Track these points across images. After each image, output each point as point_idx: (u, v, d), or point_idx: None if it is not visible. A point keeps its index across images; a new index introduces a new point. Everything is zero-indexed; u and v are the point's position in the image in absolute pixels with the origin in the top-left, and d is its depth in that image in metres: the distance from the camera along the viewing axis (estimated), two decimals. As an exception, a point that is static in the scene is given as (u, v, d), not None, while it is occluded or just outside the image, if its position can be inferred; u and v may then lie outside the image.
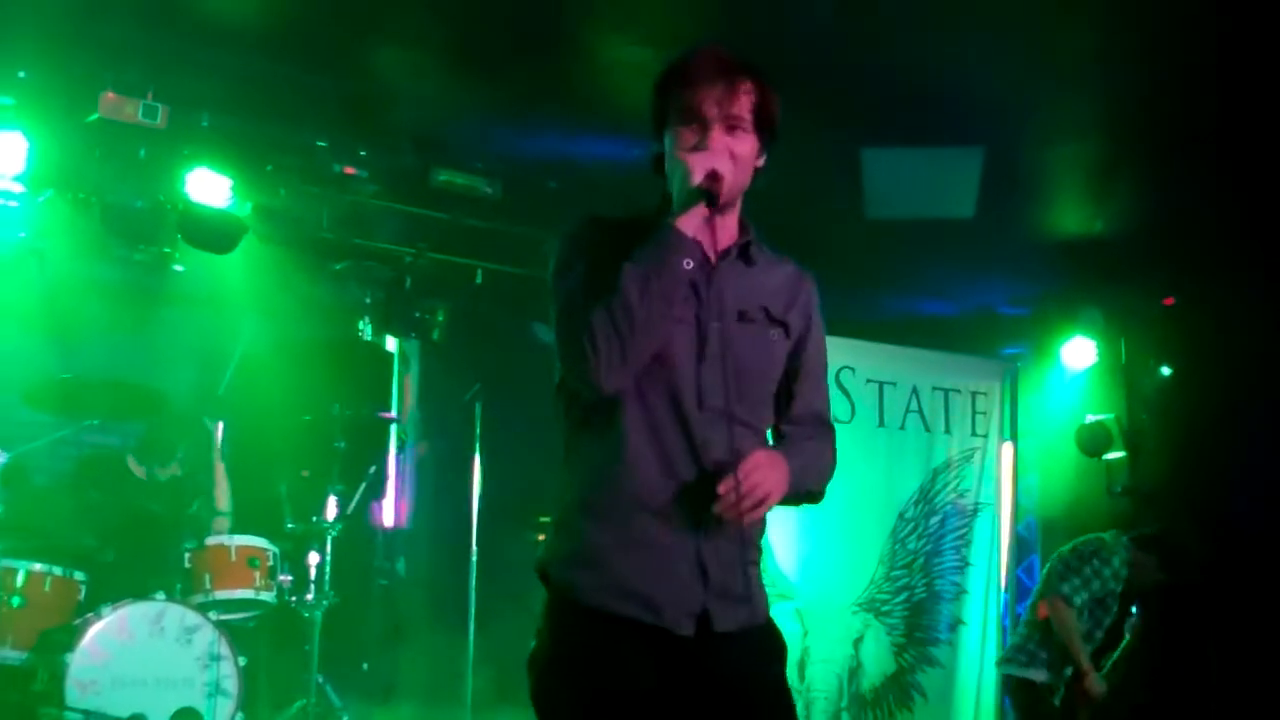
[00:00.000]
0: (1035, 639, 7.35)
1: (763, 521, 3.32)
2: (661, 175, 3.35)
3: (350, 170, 8.72)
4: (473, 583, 8.75)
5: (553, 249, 3.32)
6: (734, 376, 3.20)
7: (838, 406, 7.94)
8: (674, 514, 3.13)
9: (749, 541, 3.28)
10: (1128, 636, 7.50)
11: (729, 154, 3.17)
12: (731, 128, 3.21)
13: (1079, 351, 10.81)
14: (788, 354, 3.37)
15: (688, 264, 3.11)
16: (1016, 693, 7.48)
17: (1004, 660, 7.64)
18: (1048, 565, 7.54)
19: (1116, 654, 7.49)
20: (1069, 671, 7.15)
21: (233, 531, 7.87)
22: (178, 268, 9.11)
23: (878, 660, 9.34)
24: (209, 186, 8.37)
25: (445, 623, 9.26)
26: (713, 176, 3.12)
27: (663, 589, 3.11)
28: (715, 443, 3.15)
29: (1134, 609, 7.57)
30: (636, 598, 3.10)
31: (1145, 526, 7.50)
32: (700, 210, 3.13)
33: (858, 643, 9.29)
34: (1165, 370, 10.62)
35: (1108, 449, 10.68)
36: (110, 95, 7.60)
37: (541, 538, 10.11)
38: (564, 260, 3.27)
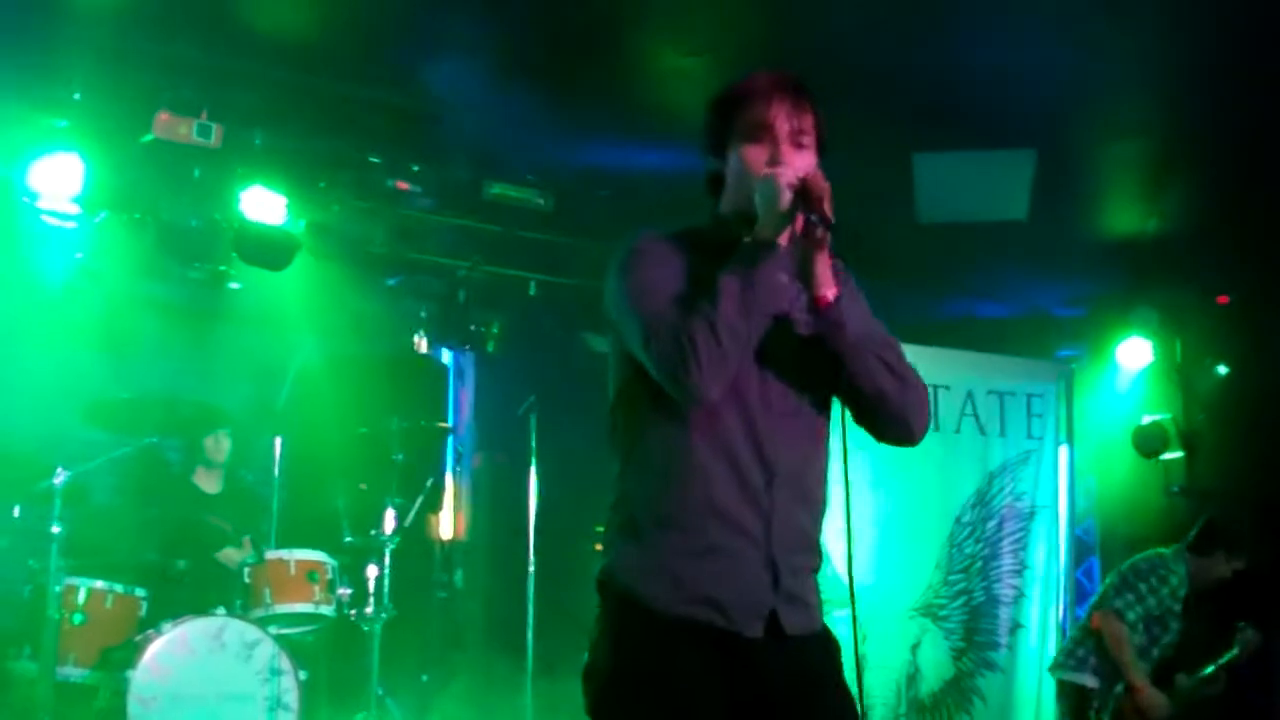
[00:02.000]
0: (1087, 645, 7.29)
1: (820, 525, 3.34)
2: (716, 195, 3.35)
3: (403, 185, 8.74)
4: (531, 594, 8.75)
5: (614, 261, 3.27)
6: (796, 377, 3.23)
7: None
8: (744, 518, 3.14)
9: (813, 548, 3.31)
10: (1236, 649, 7.39)
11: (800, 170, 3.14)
12: (798, 145, 3.21)
13: (1134, 352, 10.75)
14: None
15: (784, 278, 3.13)
16: (1066, 697, 7.42)
17: (1055, 665, 7.59)
18: (1107, 579, 7.49)
19: (1213, 667, 7.41)
20: (1120, 688, 7.09)
21: (289, 545, 7.91)
22: (233, 285, 9.17)
23: (936, 665, 9.27)
24: (263, 204, 8.39)
25: (503, 634, 9.27)
26: (804, 191, 3.05)
27: (734, 592, 3.11)
28: (781, 445, 3.17)
29: (1241, 624, 7.46)
30: (707, 601, 3.10)
31: (1192, 529, 7.39)
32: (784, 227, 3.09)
33: (915, 648, 9.24)
34: (1221, 369, 10.57)
35: (1165, 449, 10.61)
36: (164, 115, 7.62)
37: (599, 547, 10.22)
38: (636, 271, 3.21)
